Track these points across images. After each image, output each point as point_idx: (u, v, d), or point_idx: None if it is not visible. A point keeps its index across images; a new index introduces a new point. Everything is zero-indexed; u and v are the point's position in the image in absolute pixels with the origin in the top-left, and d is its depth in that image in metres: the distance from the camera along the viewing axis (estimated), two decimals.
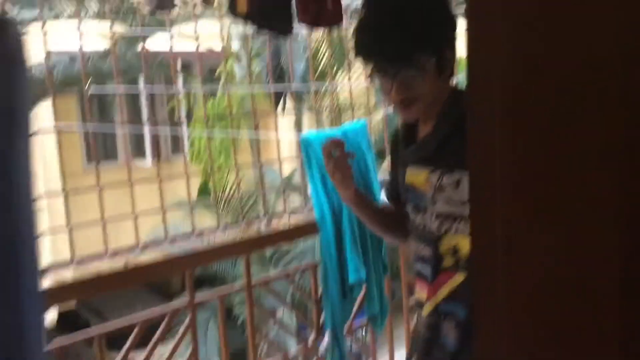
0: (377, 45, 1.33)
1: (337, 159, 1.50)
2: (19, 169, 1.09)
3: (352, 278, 2.17)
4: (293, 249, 5.40)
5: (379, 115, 5.28)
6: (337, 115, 5.33)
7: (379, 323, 2.33)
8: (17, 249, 1.08)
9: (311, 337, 2.29)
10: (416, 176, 1.44)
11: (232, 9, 1.41)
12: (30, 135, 1.10)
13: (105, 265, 1.82)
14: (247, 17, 1.44)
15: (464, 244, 1.36)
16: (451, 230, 1.38)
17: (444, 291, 1.43)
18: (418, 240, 1.48)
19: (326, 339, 2.21)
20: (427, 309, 1.47)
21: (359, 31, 1.37)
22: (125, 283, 1.75)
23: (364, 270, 2.20)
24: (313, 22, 1.59)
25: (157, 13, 1.60)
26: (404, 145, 1.52)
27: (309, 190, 2.28)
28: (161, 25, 4.39)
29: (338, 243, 2.21)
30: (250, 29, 1.56)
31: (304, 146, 2.24)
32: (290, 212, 2.45)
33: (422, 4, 1.34)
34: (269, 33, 1.61)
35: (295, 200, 5.68)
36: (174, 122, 5.80)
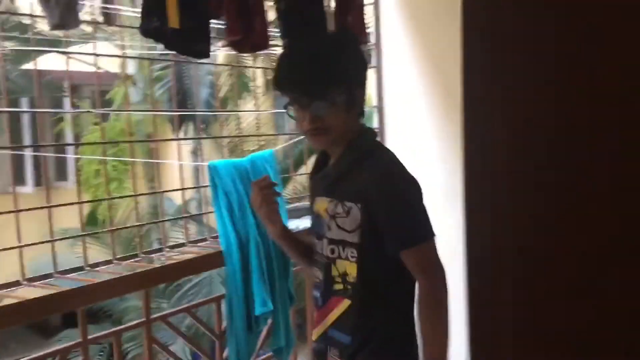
0: (295, 78, 1.45)
1: (264, 195, 1.62)
2: None
3: (259, 310, 2.11)
4: (187, 281, 5.21)
5: (280, 144, 5.28)
6: (238, 142, 5.29)
7: (284, 356, 2.27)
8: None
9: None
10: (320, 204, 1.56)
11: (157, 24, 1.34)
12: None
13: None
14: (171, 35, 1.37)
15: (350, 271, 1.47)
16: (341, 256, 1.49)
17: (332, 317, 1.52)
18: (316, 266, 1.58)
19: None
20: (315, 335, 1.57)
21: (280, 64, 1.50)
22: (9, 321, 1.57)
23: (270, 302, 2.15)
24: (240, 43, 1.56)
25: (59, 30, 1.49)
26: (316, 174, 1.63)
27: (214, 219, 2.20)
28: (51, 44, 4.15)
29: (244, 274, 2.15)
30: (163, 48, 1.50)
31: (211, 173, 2.18)
32: (189, 242, 2.35)
33: (337, 46, 1.51)
34: (186, 54, 1.55)
35: (192, 229, 5.50)
36: (60, 147, 5.44)
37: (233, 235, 2.14)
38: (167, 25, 1.36)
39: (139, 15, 1.53)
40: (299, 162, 4.62)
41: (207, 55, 1.54)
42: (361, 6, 2.03)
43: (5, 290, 1.74)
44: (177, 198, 5.26)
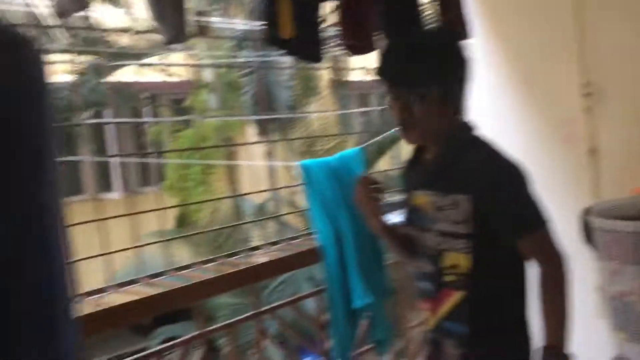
0: (389, 68, 1.53)
1: (368, 192, 1.69)
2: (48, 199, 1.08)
3: (358, 303, 2.18)
4: (272, 280, 5.37)
5: (349, 145, 5.36)
6: (310, 144, 5.39)
7: (384, 347, 2.33)
8: (53, 280, 1.06)
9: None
10: (421, 198, 1.58)
11: (273, 33, 1.44)
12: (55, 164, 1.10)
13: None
14: (287, 43, 1.47)
15: (463, 262, 1.48)
16: (451, 248, 1.50)
17: (445, 307, 1.54)
18: (422, 259, 1.59)
19: None
20: (429, 325, 1.59)
21: (383, 55, 1.58)
22: (135, 317, 1.70)
23: (369, 294, 2.21)
24: (354, 47, 1.64)
25: (173, 46, 1.60)
26: (411, 169, 1.67)
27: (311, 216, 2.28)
28: (130, 57, 4.35)
29: (341, 268, 2.21)
30: (280, 54, 1.59)
31: (305, 173, 2.26)
32: (283, 239, 2.45)
33: (433, 42, 1.57)
34: (302, 59, 1.64)
35: (271, 228, 5.66)
36: (143, 154, 5.70)
37: (329, 230, 2.21)
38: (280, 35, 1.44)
39: (230, 25, 1.62)
40: (370, 162, 4.70)
41: (319, 60, 1.63)
42: (461, 2, 2.03)
43: (124, 287, 1.87)
44: (254, 198, 5.42)
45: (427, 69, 1.46)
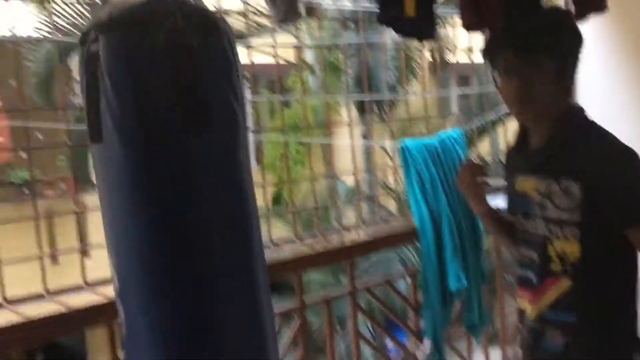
0: (507, 42, 1.47)
1: (473, 175, 1.70)
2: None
3: (453, 285, 2.17)
4: (364, 260, 5.45)
5: (447, 127, 5.26)
6: (408, 126, 5.35)
7: (477, 331, 2.32)
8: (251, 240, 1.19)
9: (409, 342, 2.29)
10: (527, 183, 1.53)
11: (395, 13, 1.47)
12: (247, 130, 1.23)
13: None
14: (403, 22, 1.49)
15: (572, 250, 1.43)
16: (559, 235, 1.44)
17: (549, 296, 1.48)
18: (525, 246, 1.55)
19: (426, 345, 2.21)
20: (531, 314, 1.54)
21: (494, 34, 1.57)
22: None
23: (464, 278, 2.20)
24: (473, 26, 1.65)
25: (283, 26, 1.67)
26: (515, 154, 1.62)
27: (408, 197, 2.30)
28: (238, 39, 4.51)
29: (438, 250, 2.22)
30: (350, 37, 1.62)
31: (404, 153, 2.27)
32: (381, 219, 2.48)
33: (552, 19, 1.53)
34: (416, 38, 1.66)
35: (364, 209, 5.71)
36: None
37: (426, 212, 2.22)
38: (403, 14, 1.46)
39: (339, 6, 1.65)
40: (469, 142, 4.60)
41: (433, 38, 1.65)
42: None
43: None
44: (348, 180, 5.47)
45: (546, 42, 1.42)
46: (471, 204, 1.75)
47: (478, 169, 1.72)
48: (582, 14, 1.80)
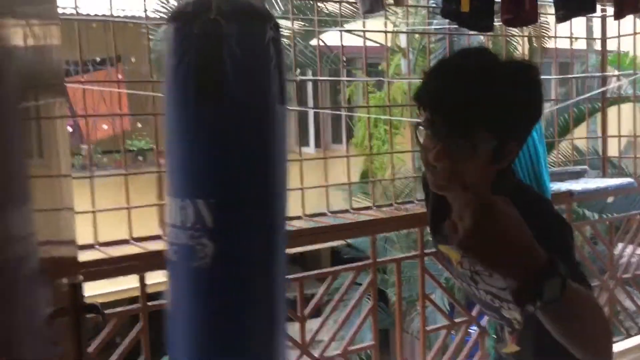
0: (443, 100, 1.13)
1: None
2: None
3: None
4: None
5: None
6: None
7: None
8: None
9: (475, 309, 2.48)
10: (452, 253, 1.27)
11: (454, 7, 1.67)
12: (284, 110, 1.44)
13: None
14: (463, 15, 1.68)
15: (517, 317, 1.31)
16: (505, 306, 1.32)
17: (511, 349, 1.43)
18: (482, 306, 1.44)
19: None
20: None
21: (433, 74, 1.21)
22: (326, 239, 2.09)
23: None
24: (512, 21, 1.81)
25: (369, 15, 1.90)
26: (436, 220, 1.38)
27: None
28: (334, 23, 4.76)
29: None
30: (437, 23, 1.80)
31: None
32: None
33: (514, 82, 1.14)
34: (475, 29, 1.85)
35: None
36: (338, 111, 6.21)
37: None
38: (460, 8, 1.66)
39: None
40: (564, 130, 4.59)
41: (491, 30, 1.81)
42: None
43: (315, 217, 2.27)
44: None
45: (491, 111, 1.10)
46: None
47: None
48: (620, 14, 1.91)
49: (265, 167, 1.40)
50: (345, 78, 6.46)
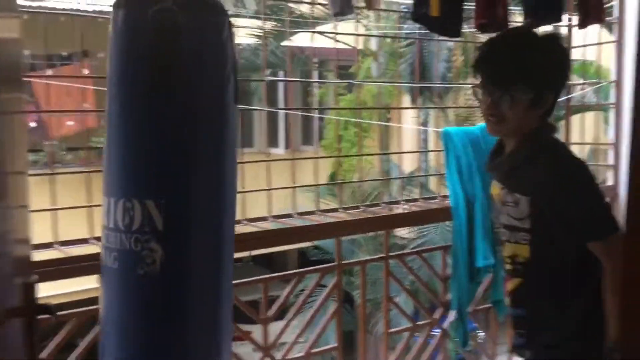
0: (488, 65, 1.56)
1: None
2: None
3: (480, 262, 2.36)
4: (408, 244, 5.67)
5: None
6: (468, 115, 5.46)
7: (502, 308, 2.49)
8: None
9: (437, 312, 2.50)
10: (494, 188, 1.69)
11: (424, 11, 1.68)
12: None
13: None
14: (432, 20, 1.69)
15: (521, 252, 1.58)
16: (511, 240, 1.61)
17: (508, 294, 1.69)
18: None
19: (450, 316, 2.41)
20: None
21: (483, 47, 1.62)
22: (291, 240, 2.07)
23: (492, 257, 2.38)
24: (487, 26, 1.82)
25: (339, 18, 1.90)
26: (492, 159, 1.72)
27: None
28: (306, 24, 4.75)
29: (469, 229, 2.40)
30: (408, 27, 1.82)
31: (445, 138, 2.46)
32: (421, 198, 2.67)
33: (539, 48, 1.55)
34: (443, 34, 1.86)
35: (416, 192, 5.90)
36: (307, 109, 6.21)
37: (461, 194, 2.40)
38: (430, 12, 1.67)
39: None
40: None
41: (459, 35, 1.83)
42: None
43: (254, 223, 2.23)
44: (405, 166, 5.67)
45: (522, 74, 1.49)
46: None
47: None
48: (584, 23, 1.96)
49: (217, 167, 1.33)
50: (316, 80, 6.49)
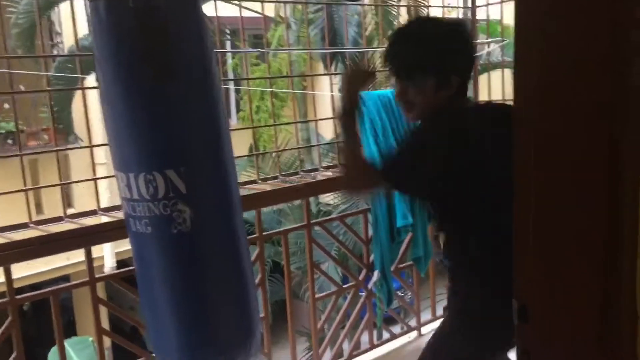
0: (391, 58, 1.67)
1: (359, 75, 1.74)
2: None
3: (399, 223, 2.41)
4: (333, 210, 5.72)
5: None
6: (384, 80, 5.50)
7: (422, 265, 2.57)
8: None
9: (362, 274, 2.55)
10: None
11: None
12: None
13: None
14: None
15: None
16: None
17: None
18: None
19: (374, 276, 2.47)
20: None
21: (389, 39, 1.77)
22: None
23: (410, 216, 2.44)
24: None
25: None
26: None
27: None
28: None
29: (387, 193, 2.44)
30: None
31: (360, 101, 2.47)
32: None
33: (444, 37, 1.64)
34: None
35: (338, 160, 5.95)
36: (224, 88, 6.07)
37: (377, 157, 2.43)
38: None
39: None
40: None
41: None
42: None
43: None
44: (327, 134, 5.67)
45: (422, 62, 1.59)
46: (343, 100, 1.68)
47: (366, 72, 1.79)
48: None
49: (217, 135, 1.52)
50: (228, 50, 6.33)
